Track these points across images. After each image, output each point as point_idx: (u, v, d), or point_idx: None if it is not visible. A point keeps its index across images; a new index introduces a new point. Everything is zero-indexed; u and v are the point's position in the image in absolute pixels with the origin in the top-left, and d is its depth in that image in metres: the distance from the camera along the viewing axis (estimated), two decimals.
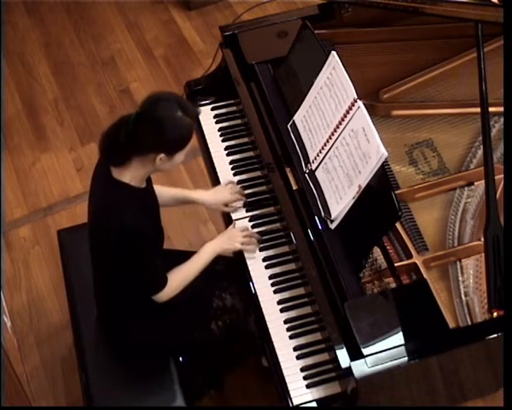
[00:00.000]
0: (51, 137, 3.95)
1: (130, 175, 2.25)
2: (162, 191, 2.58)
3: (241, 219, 2.60)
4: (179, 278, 2.42)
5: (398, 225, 2.35)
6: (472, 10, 2.49)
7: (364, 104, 2.27)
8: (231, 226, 2.56)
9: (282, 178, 2.50)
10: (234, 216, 2.61)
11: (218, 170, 2.73)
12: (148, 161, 2.22)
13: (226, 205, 2.61)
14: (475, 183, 2.51)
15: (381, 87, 2.74)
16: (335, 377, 2.22)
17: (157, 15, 4.51)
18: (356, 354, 2.07)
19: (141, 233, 2.25)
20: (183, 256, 2.48)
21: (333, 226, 2.32)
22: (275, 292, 2.43)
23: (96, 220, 2.35)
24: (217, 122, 2.86)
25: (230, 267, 2.68)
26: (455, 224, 2.43)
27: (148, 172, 2.28)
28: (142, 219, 2.25)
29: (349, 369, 2.05)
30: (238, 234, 2.50)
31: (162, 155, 2.19)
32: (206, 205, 2.67)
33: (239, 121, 2.84)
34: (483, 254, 2.25)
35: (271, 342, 2.33)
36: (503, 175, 2.32)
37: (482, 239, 2.27)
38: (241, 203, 2.61)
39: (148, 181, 2.37)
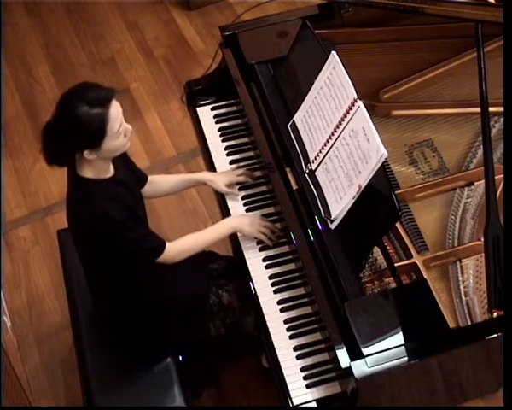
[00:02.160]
0: None
1: (89, 169, 2.27)
2: (165, 178, 2.65)
3: None
4: (189, 241, 2.45)
5: (398, 225, 2.35)
6: (472, 10, 2.49)
7: (364, 104, 2.27)
8: (255, 212, 2.58)
9: (282, 178, 2.50)
10: (232, 212, 2.61)
11: (218, 170, 2.73)
12: (82, 156, 2.24)
13: (228, 186, 2.64)
14: (475, 183, 2.51)
15: (381, 87, 2.75)
16: (335, 377, 2.22)
17: (157, 15, 4.51)
18: (356, 354, 2.07)
19: (113, 221, 2.25)
20: None
21: (333, 226, 2.32)
22: (275, 292, 2.43)
23: (70, 220, 2.38)
24: (217, 122, 2.86)
25: (228, 267, 2.68)
26: (455, 224, 2.43)
27: (100, 162, 2.27)
28: (107, 206, 2.25)
29: (349, 369, 2.05)
30: (260, 222, 2.51)
31: (86, 152, 2.20)
32: (209, 183, 2.67)
33: (239, 121, 2.84)
34: (483, 254, 2.25)
35: (271, 342, 2.33)
36: (503, 175, 2.32)
37: (482, 239, 2.27)
38: (240, 193, 2.64)
39: (120, 169, 2.37)
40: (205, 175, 2.69)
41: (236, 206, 2.63)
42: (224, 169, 2.73)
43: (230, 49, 2.83)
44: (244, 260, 2.50)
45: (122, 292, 2.45)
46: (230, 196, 2.65)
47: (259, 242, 2.52)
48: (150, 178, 2.56)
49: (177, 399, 2.51)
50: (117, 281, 2.43)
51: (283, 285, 2.44)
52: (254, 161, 2.73)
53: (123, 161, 2.41)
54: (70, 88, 2.24)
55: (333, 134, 2.36)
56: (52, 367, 3.16)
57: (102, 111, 2.17)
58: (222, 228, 2.51)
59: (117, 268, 2.39)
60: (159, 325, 2.54)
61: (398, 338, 2.09)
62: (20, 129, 4.00)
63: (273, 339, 2.33)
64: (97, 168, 2.27)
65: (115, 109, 2.19)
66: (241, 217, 2.55)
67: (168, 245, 2.39)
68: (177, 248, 2.42)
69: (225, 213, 2.63)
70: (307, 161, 2.46)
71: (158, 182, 2.60)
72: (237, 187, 2.66)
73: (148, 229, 2.40)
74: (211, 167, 2.76)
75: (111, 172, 2.33)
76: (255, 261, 2.49)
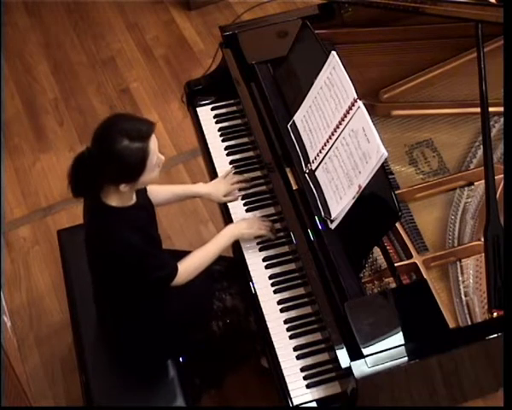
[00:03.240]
0: (51, 137, 3.96)
1: (115, 197, 2.26)
2: (162, 190, 2.61)
3: None
4: (196, 262, 2.44)
5: (398, 225, 2.35)
6: (472, 10, 2.49)
7: (364, 104, 2.27)
8: (255, 213, 2.58)
9: (282, 178, 2.50)
10: (234, 216, 2.61)
11: (218, 170, 2.73)
12: (114, 188, 2.23)
13: (226, 195, 2.63)
14: (475, 183, 2.51)
15: (381, 87, 2.74)
16: (335, 377, 2.22)
17: (157, 15, 4.51)
18: (356, 354, 2.06)
19: (130, 246, 2.25)
20: (183, 256, 2.48)
21: (333, 226, 2.32)
22: (275, 292, 2.43)
23: (90, 244, 2.38)
24: (217, 122, 2.86)
25: (230, 268, 2.68)
26: (455, 224, 2.43)
27: (128, 192, 2.27)
28: (132, 235, 2.26)
29: (349, 369, 2.05)
30: (258, 222, 2.51)
31: (123, 185, 2.20)
32: (206, 197, 2.67)
33: (239, 121, 2.84)
34: (483, 254, 2.25)
35: (271, 342, 2.33)
36: (503, 175, 2.32)
37: (482, 239, 2.27)
38: (240, 193, 2.64)
39: (139, 192, 2.37)
40: (201, 189, 2.67)
41: (236, 206, 2.63)
42: (225, 169, 2.72)
43: (230, 49, 2.83)
44: (244, 260, 2.50)
45: (129, 300, 2.45)
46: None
47: (259, 242, 2.52)
48: (148, 188, 2.53)
49: (177, 399, 2.51)
50: (124, 291, 2.42)
51: (283, 285, 2.44)
52: (254, 160, 2.73)
53: None
54: (106, 120, 2.21)
55: (333, 134, 2.36)
56: (52, 367, 3.16)
57: (143, 145, 2.15)
58: (223, 240, 2.49)
59: (128, 288, 2.40)
60: (163, 327, 2.53)
61: (398, 338, 2.09)
62: (20, 129, 4.00)
63: (273, 339, 2.33)
64: (124, 197, 2.27)
65: (154, 143, 2.19)
66: (238, 223, 2.53)
67: (179, 269, 2.39)
68: (187, 270, 2.41)
69: (225, 213, 2.63)
70: (307, 161, 2.46)
71: (155, 192, 2.56)
72: (237, 191, 2.65)
73: (163, 253, 2.40)
74: (211, 167, 2.76)
75: (134, 199, 2.32)
76: (255, 261, 2.49)
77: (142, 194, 2.40)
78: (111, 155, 2.14)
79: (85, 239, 2.39)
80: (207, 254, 2.47)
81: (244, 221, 2.53)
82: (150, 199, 2.47)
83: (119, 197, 2.26)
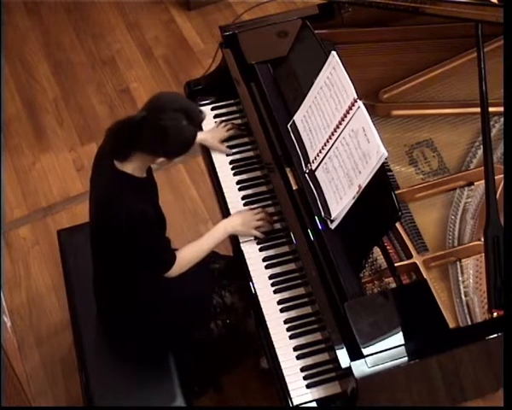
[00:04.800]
0: (51, 137, 3.96)
1: (132, 167, 2.27)
2: None
3: None
4: (190, 254, 2.46)
5: (398, 225, 2.35)
6: (472, 10, 2.49)
7: (364, 104, 2.27)
8: (247, 208, 2.58)
9: (282, 178, 2.50)
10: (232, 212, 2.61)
11: (218, 170, 2.73)
12: (149, 158, 2.26)
13: (222, 142, 2.71)
14: (475, 183, 2.51)
15: (381, 87, 2.74)
16: (335, 377, 2.22)
17: (157, 15, 4.51)
18: (356, 354, 2.06)
19: (145, 217, 2.27)
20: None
21: (333, 226, 2.32)
22: (275, 292, 2.43)
23: (100, 210, 2.36)
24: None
25: (230, 266, 2.68)
26: (455, 224, 2.43)
27: (148, 164, 2.32)
28: (146, 205, 2.29)
29: (349, 369, 2.05)
30: (253, 218, 2.51)
31: (162, 159, 2.24)
32: (203, 142, 2.71)
33: (239, 121, 2.84)
34: (483, 254, 2.25)
35: (271, 342, 2.33)
36: (503, 175, 2.32)
37: (482, 239, 2.27)
38: (240, 191, 2.65)
39: (149, 171, 2.39)
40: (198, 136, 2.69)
41: (236, 206, 2.63)
42: (224, 169, 2.72)
43: (230, 49, 2.83)
44: (244, 260, 2.50)
45: (129, 289, 2.45)
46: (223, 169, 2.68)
47: (260, 242, 2.52)
48: None
49: (177, 399, 2.51)
50: (125, 278, 2.42)
51: (283, 285, 2.44)
52: (254, 160, 2.73)
53: None
54: (167, 93, 2.28)
55: (333, 134, 2.36)
56: (52, 367, 3.16)
57: (195, 130, 2.22)
58: (217, 234, 2.50)
59: (126, 267, 2.39)
60: (162, 324, 2.53)
61: (398, 338, 2.09)
62: (20, 129, 4.00)
63: (273, 339, 2.33)
64: (139, 169, 2.29)
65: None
66: (233, 218, 2.54)
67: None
68: (181, 262, 2.42)
69: (225, 213, 2.63)
70: (307, 161, 2.46)
71: None
72: (235, 180, 2.66)
73: (165, 240, 2.41)
74: (211, 167, 2.76)
75: (145, 174, 2.34)
76: (255, 261, 2.49)
77: (152, 177, 2.42)
78: (166, 128, 2.15)
79: (93, 207, 2.38)
80: (201, 247, 2.48)
81: (239, 216, 2.52)
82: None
83: (134, 168, 2.27)
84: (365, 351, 2.06)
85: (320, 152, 2.41)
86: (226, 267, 2.69)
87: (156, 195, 2.44)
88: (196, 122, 2.23)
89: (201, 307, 2.60)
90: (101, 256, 2.45)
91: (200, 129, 2.23)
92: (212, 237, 2.50)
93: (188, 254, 2.45)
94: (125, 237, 2.29)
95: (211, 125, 2.84)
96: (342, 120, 2.33)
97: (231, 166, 2.73)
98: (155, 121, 2.16)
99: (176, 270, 2.41)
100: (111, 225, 2.30)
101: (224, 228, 2.50)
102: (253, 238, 2.52)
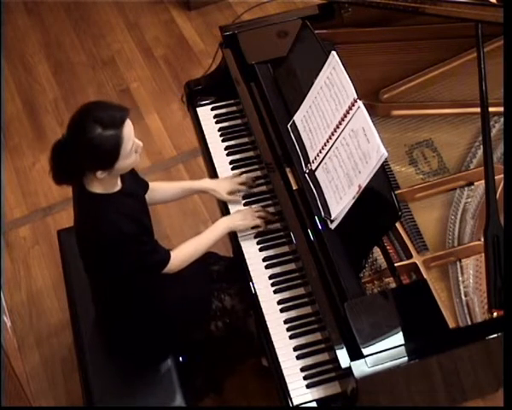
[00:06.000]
0: (51, 137, 3.95)
1: (98, 184, 2.26)
2: (169, 186, 2.65)
3: None
4: (189, 250, 2.46)
5: (398, 225, 2.35)
6: (472, 10, 2.49)
7: (364, 104, 2.27)
8: (247, 208, 2.58)
9: (282, 178, 2.50)
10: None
11: (218, 170, 2.73)
12: (91, 176, 2.23)
13: (229, 194, 2.64)
14: (475, 183, 2.51)
15: (381, 87, 2.74)
16: (335, 377, 2.22)
17: (157, 15, 4.51)
18: (356, 354, 2.06)
19: (118, 229, 2.25)
20: None
21: (333, 226, 2.32)
22: (275, 292, 2.43)
23: (78, 235, 2.38)
24: (217, 122, 2.86)
25: (230, 268, 2.68)
26: (455, 224, 2.43)
27: (109, 178, 2.26)
28: (120, 221, 2.25)
29: (349, 369, 2.05)
30: (252, 213, 2.52)
31: (99, 172, 2.20)
32: (211, 192, 2.66)
33: (239, 121, 2.84)
34: (483, 254, 2.25)
35: (271, 342, 2.33)
36: (503, 175, 2.32)
37: (482, 239, 2.26)
38: (243, 193, 2.64)
39: (130, 180, 2.37)
40: (206, 184, 2.67)
41: (236, 207, 2.63)
42: (224, 169, 2.72)
43: (230, 49, 2.83)
44: (244, 260, 2.50)
45: (125, 295, 2.45)
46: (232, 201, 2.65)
47: (259, 242, 2.52)
48: (151, 185, 2.54)
49: (177, 399, 2.51)
50: (120, 286, 2.42)
51: (283, 285, 2.44)
52: (254, 160, 2.73)
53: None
54: (81, 108, 2.22)
55: (333, 134, 2.36)
56: (52, 367, 3.16)
57: (116, 133, 2.15)
58: (216, 230, 2.51)
59: (121, 276, 2.38)
60: (161, 328, 2.53)
61: (398, 338, 2.09)
62: (20, 129, 4.00)
63: (273, 339, 2.33)
64: (107, 184, 2.27)
65: (128, 129, 2.18)
66: (233, 215, 2.55)
67: (171, 256, 2.39)
68: (180, 257, 2.43)
69: (225, 213, 2.63)
70: (307, 161, 2.46)
71: (158, 190, 2.58)
72: (240, 195, 2.65)
73: (155, 240, 2.40)
74: (211, 167, 2.76)
75: (119, 185, 2.32)
76: (255, 261, 2.49)
77: (130, 181, 2.39)
78: (85, 143, 2.14)
79: (75, 231, 2.39)
80: (200, 243, 2.49)
81: (239, 213, 2.54)
82: (141, 187, 2.48)
83: (102, 184, 2.26)
84: (365, 351, 2.06)
85: (320, 152, 2.41)
86: (226, 270, 2.69)
87: (138, 204, 2.40)
88: (114, 124, 2.15)
89: (200, 310, 2.59)
90: (93, 271, 2.46)
91: (121, 126, 2.14)
92: (212, 234, 2.50)
93: (187, 250, 2.45)
94: (104, 253, 2.28)
95: (211, 125, 2.84)
96: (342, 120, 2.33)
97: (231, 166, 2.73)
98: (71, 142, 2.17)
99: (175, 264, 2.41)
100: (93, 246, 2.30)
101: (224, 225, 2.51)
102: (252, 236, 2.52)
